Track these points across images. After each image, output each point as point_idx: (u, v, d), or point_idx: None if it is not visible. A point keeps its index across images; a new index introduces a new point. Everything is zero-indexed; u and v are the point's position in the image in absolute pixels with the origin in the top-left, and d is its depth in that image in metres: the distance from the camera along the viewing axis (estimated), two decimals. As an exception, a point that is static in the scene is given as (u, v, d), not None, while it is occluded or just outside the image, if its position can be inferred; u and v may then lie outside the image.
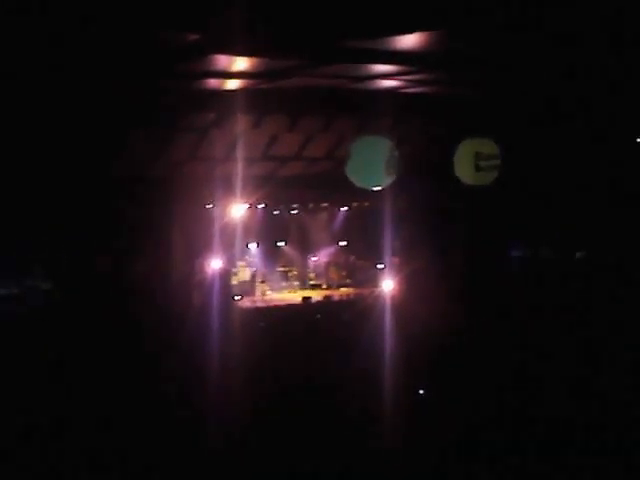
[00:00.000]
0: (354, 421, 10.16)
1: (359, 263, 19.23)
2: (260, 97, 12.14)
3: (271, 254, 18.99)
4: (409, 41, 8.61)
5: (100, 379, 11.33)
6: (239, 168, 14.19)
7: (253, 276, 18.29)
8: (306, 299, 17.40)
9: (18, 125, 11.38)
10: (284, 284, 19.24)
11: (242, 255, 18.19)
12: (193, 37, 8.30)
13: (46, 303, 13.63)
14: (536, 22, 7.76)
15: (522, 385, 11.08)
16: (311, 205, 18.84)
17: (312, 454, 9.26)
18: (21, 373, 11.35)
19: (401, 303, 15.76)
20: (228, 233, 16.51)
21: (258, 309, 17.04)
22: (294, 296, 18.08)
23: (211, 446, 9.43)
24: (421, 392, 11.58)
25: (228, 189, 15.02)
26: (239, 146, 13.84)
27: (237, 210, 16.77)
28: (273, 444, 9.49)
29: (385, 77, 11.14)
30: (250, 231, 17.98)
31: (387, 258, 16.98)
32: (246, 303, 17.30)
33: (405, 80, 11.43)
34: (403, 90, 12.29)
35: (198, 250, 15.73)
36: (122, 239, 14.19)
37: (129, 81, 10.75)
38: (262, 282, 18.49)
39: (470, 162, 12.46)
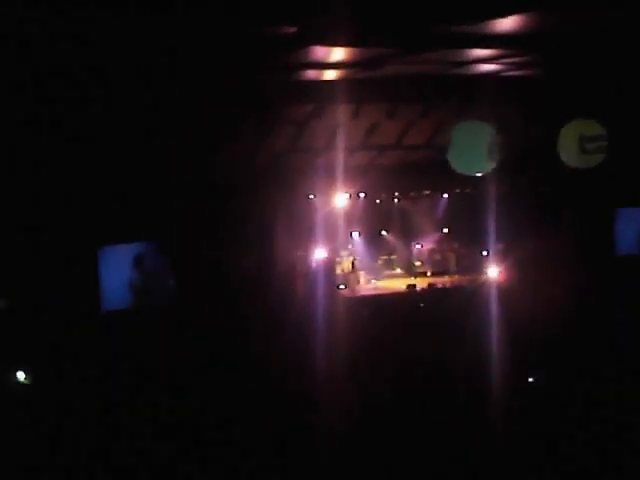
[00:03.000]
0: (464, 408, 10.14)
1: (463, 250, 19.03)
2: (358, 86, 12.16)
3: (374, 243, 19.02)
4: (507, 24, 8.48)
5: (214, 368, 11.65)
6: (339, 158, 14.27)
7: (357, 265, 18.35)
8: (410, 287, 17.37)
9: (125, 121, 11.75)
10: (388, 272, 19.24)
11: (345, 244, 18.29)
12: (290, 29, 8.39)
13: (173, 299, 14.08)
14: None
15: (628, 376, 10.81)
16: (412, 193, 18.75)
17: (422, 437, 9.30)
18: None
19: (508, 290, 15.56)
20: (330, 223, 16.61)
21: (362, 298, 17.11)
22: (398, 284, 18.05)
23: (323, 434, 9.56)
24: (530, 380, 11.44)
25: (329, 179, 15.14)
26: (339, 136, 13.92)
27: (339, 200, 16.86)
28: (387, 428, 9.56)
29: (483, 61, 11.00)
30: (352, 220, 18.05)
31: (491, 245, 16.78)
32: (350, 292, 17.38)
33: (504, 63, 11.25)
34: (502, 74, 12.11)
35: (302, 240, 15.89)
36: (228, 230, 14.46)
37: (230, 75, 10.96)
38: (366, 271, 18.53)
39: (575, 145, 12.21)
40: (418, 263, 19.51)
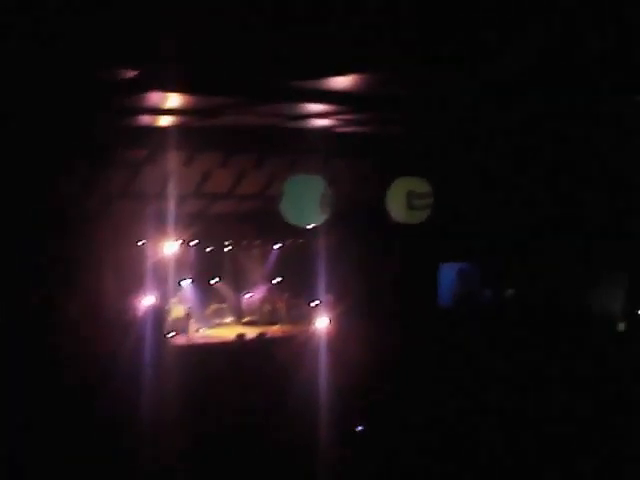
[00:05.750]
0: (289, 457, 10.13)
1: (293, 300, 19.16)
2: (193, 134, 12.14)
3: (205, 291, 18.83)
4: (342, 82, 8.71)
5: (29, 416, 11.09)
6: (171, 205, 14.13)
7: (187, 313, 18.09)
8: (240, 336, 17.26)
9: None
10: (218, 320, 19.07)
11: (175, 292, 18.01)
12: (127, 73, 8.27)
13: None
14: (468, 66, 7.95)
15: (453, 418, 11.22)
16: (244, 242, 18.78)
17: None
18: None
19: (335, 340, 15.78)
20: (161, 270, 16.35)
21: (192, 346, 16.86)
22: (228, 333, 17.91)
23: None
24: (359, 428, 11.61)
25: (161, 226, 14.94)
26: (172, 183, 13.79)
27: (170, 247, 16.63)
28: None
29: (318, 116, 11.23)
30: (183, 268, 17.82)
31: (321, 295, 17.01)
32: (180, 340, 17.09)
33: (338, 119, 11.54)
34: (336, 129, 12.42)
35: (131, 287, 15.54)
36: (54, 274, 13.94)
37: (62, 115, 10.65)
38: (195, 319, 18.29)
39: (403, 201, 12.60)
40: (248, 312, 19.46)
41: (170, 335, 16.73)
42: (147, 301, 15.90)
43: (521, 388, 12.32)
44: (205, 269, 18.44)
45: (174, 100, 10.01)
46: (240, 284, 19.48)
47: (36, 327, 13.47)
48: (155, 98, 9.73)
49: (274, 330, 18.37)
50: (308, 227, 13.22)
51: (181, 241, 16.88)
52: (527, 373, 12.92)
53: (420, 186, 12.57)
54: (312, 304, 17.78)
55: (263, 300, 19.54)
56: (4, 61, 7.48)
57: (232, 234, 17.82)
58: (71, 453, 10.12)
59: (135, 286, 15.61)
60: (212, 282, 18.96)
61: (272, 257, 19.20)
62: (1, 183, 12.27)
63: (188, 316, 18.02)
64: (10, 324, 13.36)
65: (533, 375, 12.79)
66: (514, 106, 10.19)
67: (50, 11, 6.19)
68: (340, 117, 11.31)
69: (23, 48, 7.02)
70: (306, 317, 18.04)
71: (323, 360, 14.16)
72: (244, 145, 13.16)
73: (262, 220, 15.91)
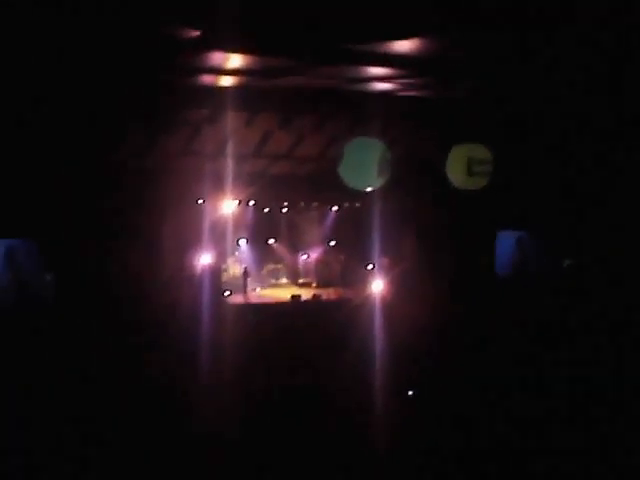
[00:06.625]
0: (344, 420, 10.21)
1: (349, 263, 19.22)
2: (254, 95, 12.15)
3: (261, 251, 19.00)
4: (405, 46, 8.65)
5: (91, 374, 11.33)
6: (231, 164, 14.22)
7: (243, 272, 18.28)
8: (295, 297, 17.41)
9: (15, 118, 11.38)
10: (273, 281, 19.25)
11: (232, 251, 18.20)
12: (190, 33, 8.32)
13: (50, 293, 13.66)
14: (529, 31, 7.83)
15: (509, 386, 11.17)
16: (302, 204, 18.83)
17: (302, 452, 9.31)
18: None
19: (390, 303, 15.80)
20: (218, 229, 16.52)
21: (249, 305, 17.06)
22: (283, 293, 18.08)
23: (201, 441, 9.46)
24: (410, 393, 11.65)
25: (219, 185, 15.06)
26: (231, 143, 13.86)
27: (228, 206, 16.78)
28: (263, 441, 9.52)
29: (379, 80, 11.16)
30: (240, 228, 18.00)
31: (377, 258, 17.01)
32: (236, 299, 17.30)
33: (399, 83, 11.44)
34: (397, 93, 12.31)
35: (189, 244, 15.73)
36: (115, 230, 14.17)
37: (125, 74, 10.76)
38: (251, 279, 18.47)
39: (463, 166, 12.49)
40: (303, 274, 19.59)
41: (227, 293, 16.92)
42: (205, 258, 16.09)
43: (577, 362, 12.18)
44: (262, 229, 18.58)
45: (236, 60, 10.02)
46: (296, 245, 19.60)
47: (94, 280, 13.74)
48: (217, 58, 9.76)
49: (329, 292, 18.47)
50: (366, 190, 13.19)
51: (239, 201, 17.01)
52: (585, 346, 12.75)
53: (480, 152, 12.44)
54: (367, 267, 17.78)
55: (319, 262, 19.63)
56: (67, 23, 7.59)
57: (290, 195, 17.86)
58: (124, 405, 10.33)
59: (193, 243, 15.79)
60: (269, 242, 19.09)
61: (329, 219, 19.23)
62: (64, 138, 12.48)
63: (245, 275, 18.20)
64: (66, 277, 13.68)
65: (589, 348, 12.63)
66: (577, 75, 10.01)
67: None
68: (401, 81, 11.21)
69: (86, 10, 7.11)
70: (361, 280, 18.07)
71: (377, 323, 14.20)
72: (305, 107, 13.11)
73: (320, 182, 15.91)
